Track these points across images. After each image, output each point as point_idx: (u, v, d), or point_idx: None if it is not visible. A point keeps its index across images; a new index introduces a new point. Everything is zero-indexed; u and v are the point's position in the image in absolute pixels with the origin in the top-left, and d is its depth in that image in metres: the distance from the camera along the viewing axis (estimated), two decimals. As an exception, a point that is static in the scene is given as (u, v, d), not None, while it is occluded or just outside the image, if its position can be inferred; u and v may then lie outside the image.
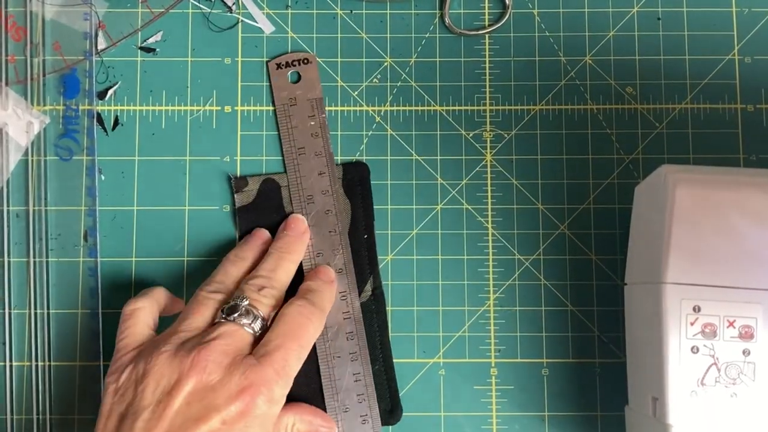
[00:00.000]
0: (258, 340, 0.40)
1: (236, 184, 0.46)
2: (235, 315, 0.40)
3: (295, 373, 0.40)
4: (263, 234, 0.45)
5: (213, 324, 0.40)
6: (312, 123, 0.47)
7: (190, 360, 0.37)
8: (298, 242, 0.45)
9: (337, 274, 0.45)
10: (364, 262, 0.46)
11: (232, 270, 0.43)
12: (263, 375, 0.38)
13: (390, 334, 0.46)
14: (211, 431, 0.36)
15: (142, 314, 0.42)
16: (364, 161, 0.47)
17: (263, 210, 0.46)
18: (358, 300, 0.45)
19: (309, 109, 0.47)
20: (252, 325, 0.40)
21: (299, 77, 0.47)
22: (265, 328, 0.41)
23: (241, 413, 0.37)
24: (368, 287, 0.46)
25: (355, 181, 0.46)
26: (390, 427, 0.46)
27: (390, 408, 0.45)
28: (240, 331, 0.40)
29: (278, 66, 0.47)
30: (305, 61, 0.47)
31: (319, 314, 0.42)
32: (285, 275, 0.43)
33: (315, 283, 0.44)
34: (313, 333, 0.41)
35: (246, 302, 0.40)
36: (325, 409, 0.44)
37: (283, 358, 0.39)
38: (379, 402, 0.45)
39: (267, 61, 0.48)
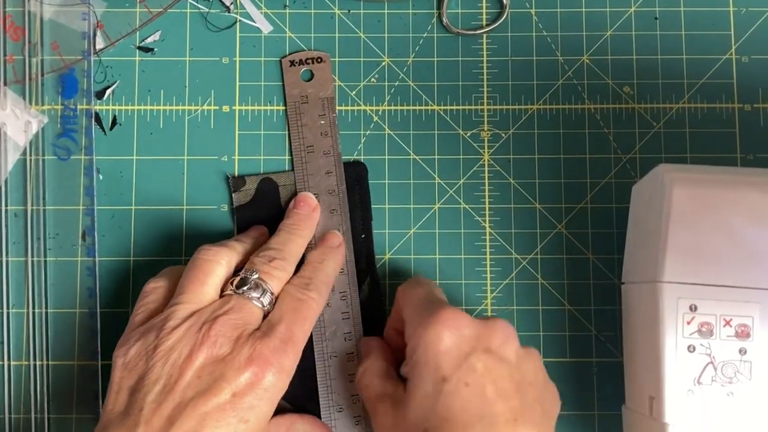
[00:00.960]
0: (266, 315, 0.40)
1: (234, 183, 0.47)
2: (245, 288, 0.40)
3: (302, 345, 0.40)
4: (262, 228, 0.46)
5: (221, 296, 0.40)
6: (322, 122, 0.47)
7: (201, 334, 0.38)
8: (308, 219, 0.45)
9: (339, 274, 0.45)
10: (362, 261, 0.46)
11: (237, 246, 0.43)
12: (270, 345, 0.38)
13: (388, 334, 0.46)
14: (221, 404, 0.37)
15: (162, 292, 0.42)
16: (362, 161, 0.47)
17: (261, 209, 0.46)
18: (359, 301, 0.46)
19: (320, 107, 0.47)
20: (261, 299, 0.40)
21: (312, 75, 0.47)
22: (274, 304, 0.41)
23: (250, 384, 0.37)
24: (366, 286, 0.46)
25: (353, 180, 0.46)
26: (388, 426, 0.46)
27: None
28: (249, 305, 0.40)
29: (291, 63, 0.47)
30: (318, 59, 0.47)
31: (318, 289, 0.42)
32: (296, 250, 0.43)
33: (320, 253, 0.44)
34: (316, 308, 0.41)
35: (255, 276, 0.40)
36: (319, 408, 0.44)
37: (288, 329, 0.39)
38: None
39: (281, 59, 0.48)
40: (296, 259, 0.43)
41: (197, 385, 0.37)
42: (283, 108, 0.48)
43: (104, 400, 0.42)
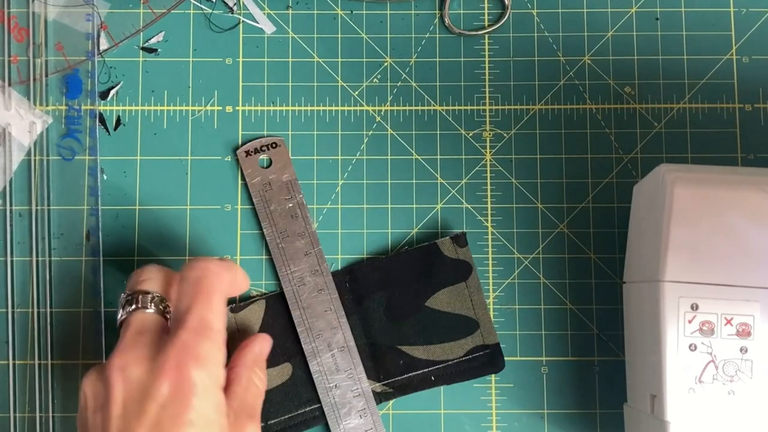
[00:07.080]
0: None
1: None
2: (130, 308, 0.38)
3: (220, 325, 0.36)
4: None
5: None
6: (290, 205, 0.46)
7: (108, 369, 0.35)
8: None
9: (339, 351, 0.45)
10: (357, 331, 0.45)
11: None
12: (181, 343, 0.35)
13: (390, 333, 0.46)
14: (154, 422, 0.34)
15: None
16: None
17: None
18: (366, 376, 0.45)
19: (285, 191, 0.46)
20: (149, 304, 0.38)
21: (270, 162, 0.47)
22: (162, 303, 0.39)
23: (175, 391, 0.34)
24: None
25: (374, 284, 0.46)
26: (391, 424, 0.46)
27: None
28: (138, 316, 0.38)
29: (247, 153, 0.47)
30: (273, 145, 0.47)
31: (216, 262, 0.38)
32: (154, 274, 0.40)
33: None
34: (218, 281, 0.37)
35: (128, 293, 0.39)
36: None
37: (198, 315, 0.36)
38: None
39: (234, 149, 0.47)
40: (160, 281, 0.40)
41: (124, 415, 0.34)
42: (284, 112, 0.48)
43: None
